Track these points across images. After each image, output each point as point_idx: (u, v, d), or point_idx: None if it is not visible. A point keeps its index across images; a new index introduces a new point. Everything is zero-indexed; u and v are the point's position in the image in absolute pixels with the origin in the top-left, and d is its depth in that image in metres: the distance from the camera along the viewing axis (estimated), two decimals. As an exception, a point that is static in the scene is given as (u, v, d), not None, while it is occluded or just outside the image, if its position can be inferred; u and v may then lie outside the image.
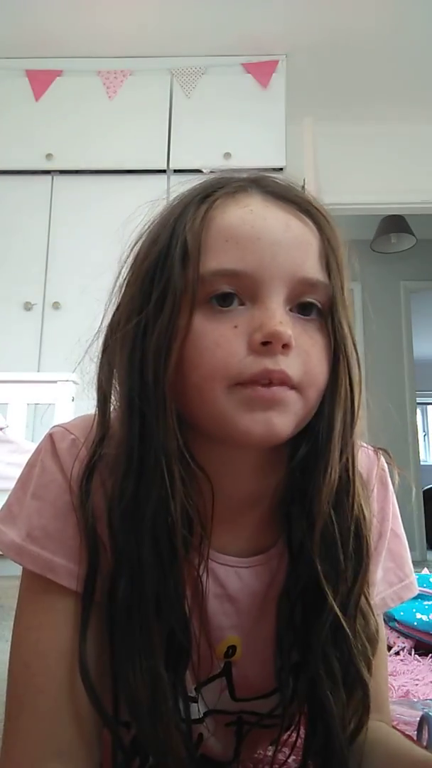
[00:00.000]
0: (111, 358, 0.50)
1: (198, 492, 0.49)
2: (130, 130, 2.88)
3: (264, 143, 2.86)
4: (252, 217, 0.49)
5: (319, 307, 0.50)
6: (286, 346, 0.46)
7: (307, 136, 2.75)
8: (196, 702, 0.55)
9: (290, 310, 0.49)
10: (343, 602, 0.49)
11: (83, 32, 2.87)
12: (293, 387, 0.47)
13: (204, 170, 2.89)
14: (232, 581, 0.54)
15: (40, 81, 2.94)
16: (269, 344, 0.45)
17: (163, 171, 2.84)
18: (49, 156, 2.86)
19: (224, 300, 0.47)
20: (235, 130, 2.86)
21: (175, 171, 2.84)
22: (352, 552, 0.50)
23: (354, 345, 0.51)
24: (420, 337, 5.27)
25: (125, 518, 0.47)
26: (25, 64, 2.96)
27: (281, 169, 2.84)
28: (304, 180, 2.81)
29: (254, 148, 2.85)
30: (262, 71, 2.93)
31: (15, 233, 2.81)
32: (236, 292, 0.47)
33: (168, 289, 0.48)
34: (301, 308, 0.49)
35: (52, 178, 2.88)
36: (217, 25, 2.80)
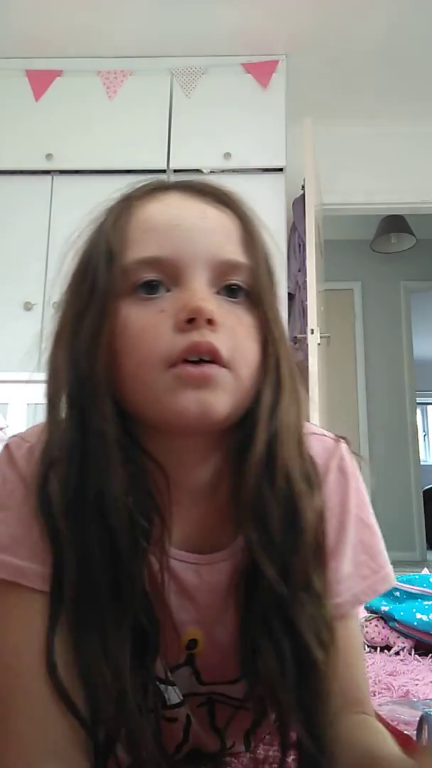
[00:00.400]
0: (54, 358, 0.52)
1: (153, 485, 0.50)
2: (130, 130, 2.88)
3: (264, 143, 2.86)
4: (169, 208, 0.52)
5: (246, 290, 0.51)
6: (210, 322, 0.47)
7: (307, 136, 2.75)
8: (174, 685, 0.55)
9: (217, 293, 0.50)
10: (284, 577, 0.49)
11: (83, 32, 2.87)
12: (224, 365, 0.48)
13: (204, 170, 2.89)
14: (190, 578, 0.54)
15: (40, 81, 2.94)
16: (194, 320, 0.47)
17: (164, 171, 2.84)
18: (49, 156, 2.86)
19: (150, 289, 0.49)
20: (235, 130, 2.87)
21: (175, 171, 2.84)
22: (286, 525, 0.50)
23: (280, 325, 0.53)
24: (420, 337, 5.27)
25: (71, 509, 0.48)
26: (25, 64, 2.96)
27: (281, 169, 2.84)
28: (304, 180, 2.81)
29: (254, 148, 2.85)
30: (262, 71, 2.93)
31: (15, 233, 2.81)
32: (161, 281, 0.49)
33: (95, 284, 0.50)
34: (228, 292, 0.51)
35: (52, 178, 2.88)
36: (217, 25, 2.81)
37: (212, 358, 0.47)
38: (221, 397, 0.48)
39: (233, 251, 0.51)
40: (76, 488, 0.48)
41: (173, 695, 0.55)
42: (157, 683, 0.53)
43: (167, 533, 0.51)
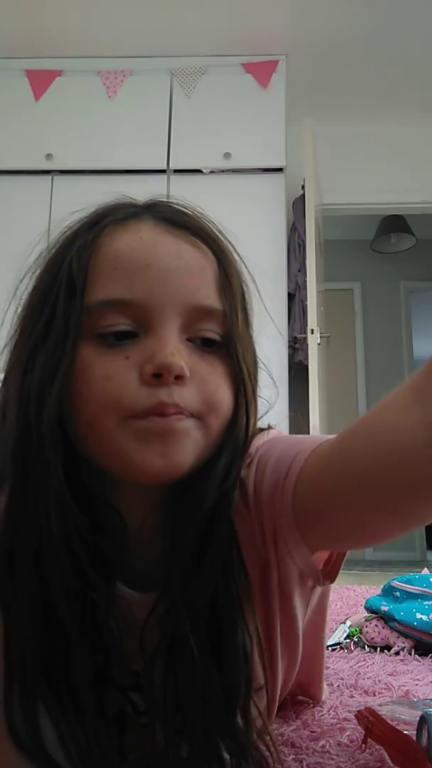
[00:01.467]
0: (4, 393, 0.48)
1: (106, 528, 0.48)
2: (130, 130, 2.88)
3: (264, 143, 2.86)
4: (141, 244, 0.47)
5: (219, 341, 0.48)
6: (179, 378, 0.44)
7: (307, 136, 2.75)
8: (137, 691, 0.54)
9: (188, 340, 0.47)
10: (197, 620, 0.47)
11: (83, 32, 2.87)
12: (192, 415, 0.45)
13: (204, 170, 2.89)
14: (135, 616, 0.50)
15: (40, 81, 2.94)
16: (161, 376, 0.44)
17: (163, 171, 2.84)
18: (49, 156, 2.86)
19: (119, 336, 0.46)
20: (235, 130, 2.87)
21: (175, 171, 2.84)
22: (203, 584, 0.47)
23: (250, 375, 0.50)
24: (420, 337, 5.27)
25: (9, 561, 0.46)
26: (25, 64, 2.96)
27: (281, 169, 2.84)
28: (304, 180, 2.81)
29: (254, 148, 2.85)
30: (262, 71, 2.93)
31: (15, 233, 2.81)
32: (130, 330, 0.46)
33: (53, 320, 0.46)
34: (202, 343, 0.48)
35: (52, 178, 2.88)
36: (217, 25, 2.81)
37: (179, 415, 0.45)
38: (187, 449, 0.45)
39: (208, 296, 0.48)
40: (8, 547, 0.46)
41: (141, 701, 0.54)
42: (124, 690, 0.51)
43: (117, 574, 0.49)
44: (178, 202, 0.53)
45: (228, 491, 0.48)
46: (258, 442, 0.53)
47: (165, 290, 0.46)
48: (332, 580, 0.56)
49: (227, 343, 0.49)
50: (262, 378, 0.55)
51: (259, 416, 0.55)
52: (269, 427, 0.57)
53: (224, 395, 0.48)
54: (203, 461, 0.47)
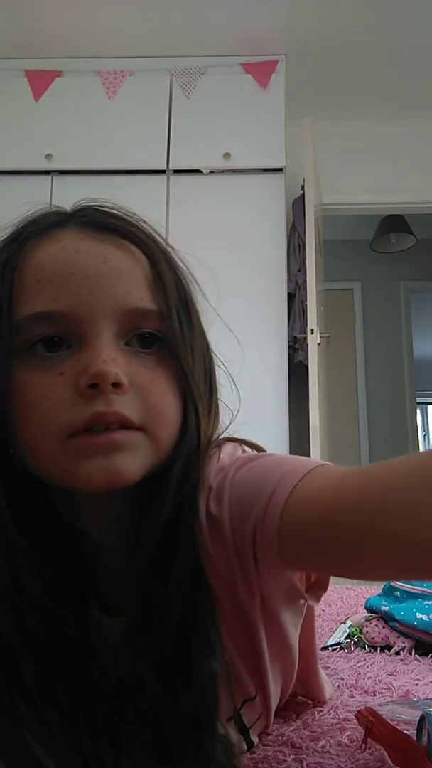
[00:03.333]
0: None
1: (80, 546, 0.47)
2: (130, 130, 2.88)
3: (263, 143, 2.86)
4: (63, 253, 0.46)
5: (161, 338, 0.47)
6: (117, 386, 0.42)
7: (307, 136, 2.75)
8: None
9: (127, 344, 0.46)
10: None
11: (83, 32, 2.87)
12: (137, 428, 0.44)
13: (204, 170, 2.89)
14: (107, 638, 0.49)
15: (40, 81, 2.94)
16: (97, 386, 0.42)
17: (163, 171, 2.84)
18: (48, 156, 2.86)
19: (49, 345, 0.44)
20: (235, 131, 2.86)
21: (175, 171, 2.84)
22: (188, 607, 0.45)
23: (194, 376, 0.48)
24: (420, 337, 5.27)
25: None
26: (24, 65, 2.96)
27: (281, 169, 2.85)
28: (303, 180, 2.81)
29: (254, 149, 2.85)
30: (261, 71, 2.93)
31: (15, 233, 2.81)
32: (61, 335, 0.44)
33: None
34: (141, 341, 0.46)
35: (52, 179, 2.88)
36: (216, 25, 2.80)
37: (121, 425, 0.43)
38: (133, 461, 0.43)
39: (140, 297, 0.46)
40: None
41: None
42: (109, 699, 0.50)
43: (92, 601, 0.48)
44: (107, 205, 0.51)
45: (186, 502, 0.46)
46: (225, 453, 0.51)
47: (93, 297, 0.44)
48: (324, 590, 0.55)
49: (167, 344, 0.47)
50: (222, 378, 0.53)
51: (229, 421, 0.53)
52: (243, 441, 0.54)
53: (169, 403, 0.46)
54: (158, 471, 0.46)
